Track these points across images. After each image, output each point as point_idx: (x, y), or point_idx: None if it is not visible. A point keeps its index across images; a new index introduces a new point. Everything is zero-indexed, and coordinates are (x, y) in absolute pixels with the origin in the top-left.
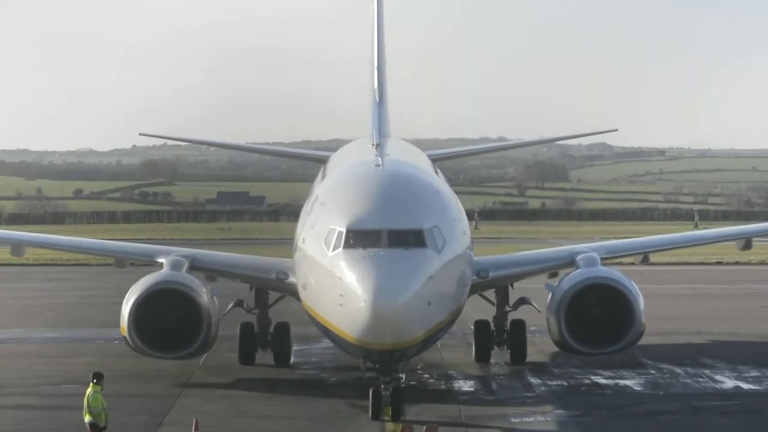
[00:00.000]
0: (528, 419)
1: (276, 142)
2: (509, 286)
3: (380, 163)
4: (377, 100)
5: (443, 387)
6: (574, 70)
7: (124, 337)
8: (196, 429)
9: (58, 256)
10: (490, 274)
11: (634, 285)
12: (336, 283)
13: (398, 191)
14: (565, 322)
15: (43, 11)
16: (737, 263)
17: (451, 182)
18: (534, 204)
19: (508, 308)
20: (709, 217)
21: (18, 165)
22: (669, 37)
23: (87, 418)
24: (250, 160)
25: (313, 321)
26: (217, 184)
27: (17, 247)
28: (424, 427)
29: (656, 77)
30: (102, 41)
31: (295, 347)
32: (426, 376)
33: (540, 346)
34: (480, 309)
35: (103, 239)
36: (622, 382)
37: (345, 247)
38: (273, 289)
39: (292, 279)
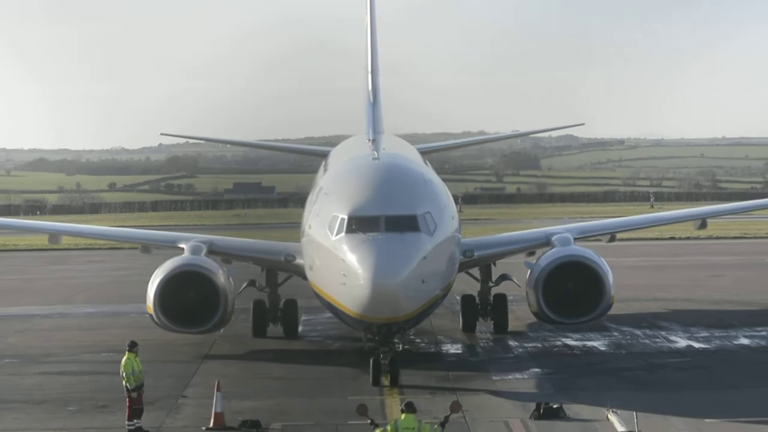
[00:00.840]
0: (507, 377)
1: (283, 138)
2: (492, 264)
3: (377, 156)
4: (371, 101)
5: (433, 350)
6: (544, 72)
7: (150, 315)
8: (218, 389)
9: (95, 241)
10: (476, 254)
11: (604, 262)
12: (339, 264)
13: (394, 181)
14: (542, 295)
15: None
16: (688, 238)
17: (438, 172)
18: (510, 189)
19: (491, 284)
20: (663, 198)
21: (59, 162)
22: (628, 41)
23: (124, 383)
24: (262, 155)
25: (319, 298)
26: (234, 176)
27: (54, 236)
28: (450, 404)
29: (616, 76)
30: (127, 54)
31: (303, 317)
32: (418, 340)
33: (518, 314)
34: (466, 285)
35: (131, 227)
36: (589, 343)
37: (347, 231)
38: (282, 270)
39: (299, 261)
